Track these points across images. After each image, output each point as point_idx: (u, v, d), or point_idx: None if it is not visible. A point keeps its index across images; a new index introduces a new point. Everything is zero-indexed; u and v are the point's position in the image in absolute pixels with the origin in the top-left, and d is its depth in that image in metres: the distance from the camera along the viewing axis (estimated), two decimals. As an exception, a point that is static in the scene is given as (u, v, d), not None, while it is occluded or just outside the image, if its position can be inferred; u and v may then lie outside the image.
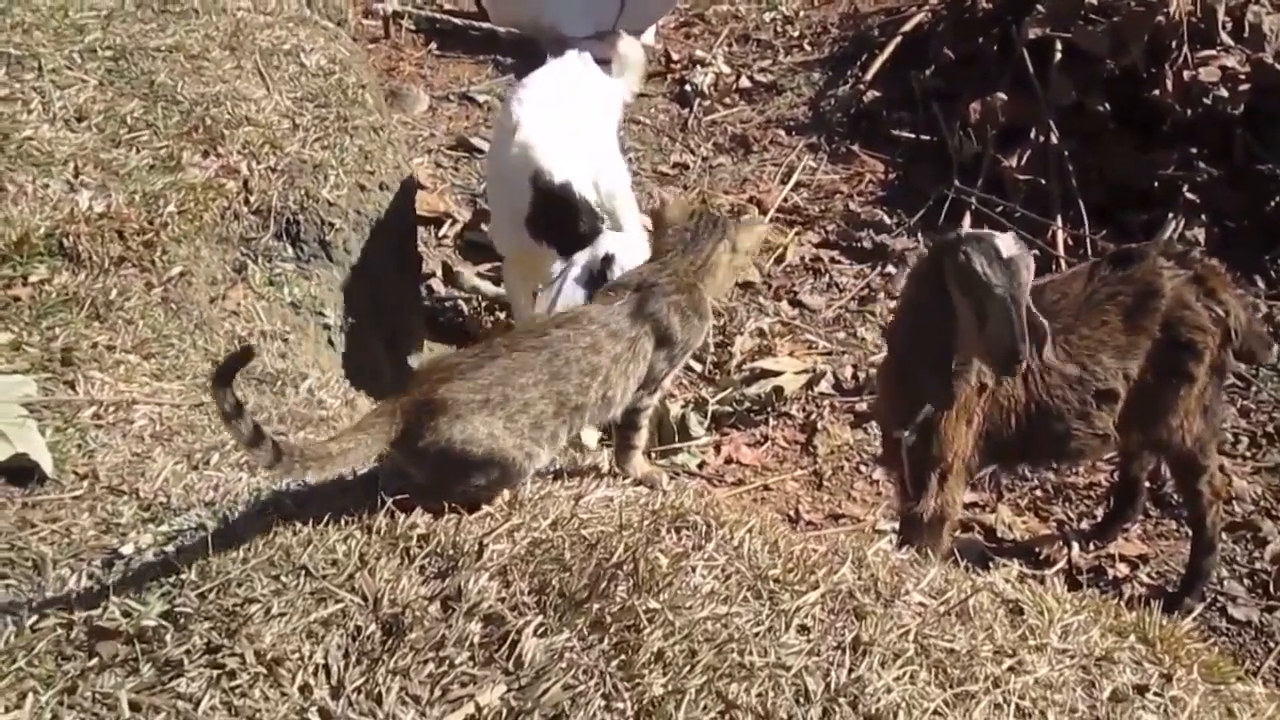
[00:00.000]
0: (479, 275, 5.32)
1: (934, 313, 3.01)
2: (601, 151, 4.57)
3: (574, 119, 4.50)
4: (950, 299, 2.94)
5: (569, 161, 4.24)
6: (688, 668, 1.99)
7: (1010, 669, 2.15)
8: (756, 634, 2.08)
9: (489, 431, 2.20)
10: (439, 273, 5.32)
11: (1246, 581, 3.87)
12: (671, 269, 2.44)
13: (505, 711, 1.90)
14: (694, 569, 2.19)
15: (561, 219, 4.15)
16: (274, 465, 2.09)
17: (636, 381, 2.39)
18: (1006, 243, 2.87)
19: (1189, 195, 5.33)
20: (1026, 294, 2.85)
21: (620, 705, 1.92)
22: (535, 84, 4.62)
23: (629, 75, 5.04)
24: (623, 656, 1.99)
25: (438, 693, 1.93)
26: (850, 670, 2.05)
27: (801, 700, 1.99)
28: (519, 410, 2.23)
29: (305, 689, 1.94)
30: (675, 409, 4.44)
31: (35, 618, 2.09)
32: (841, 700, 2.00)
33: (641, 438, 2.53)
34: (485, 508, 2.29)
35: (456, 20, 7.42)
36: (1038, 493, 4.25)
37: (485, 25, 7.31)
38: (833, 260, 5.51)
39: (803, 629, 2.13)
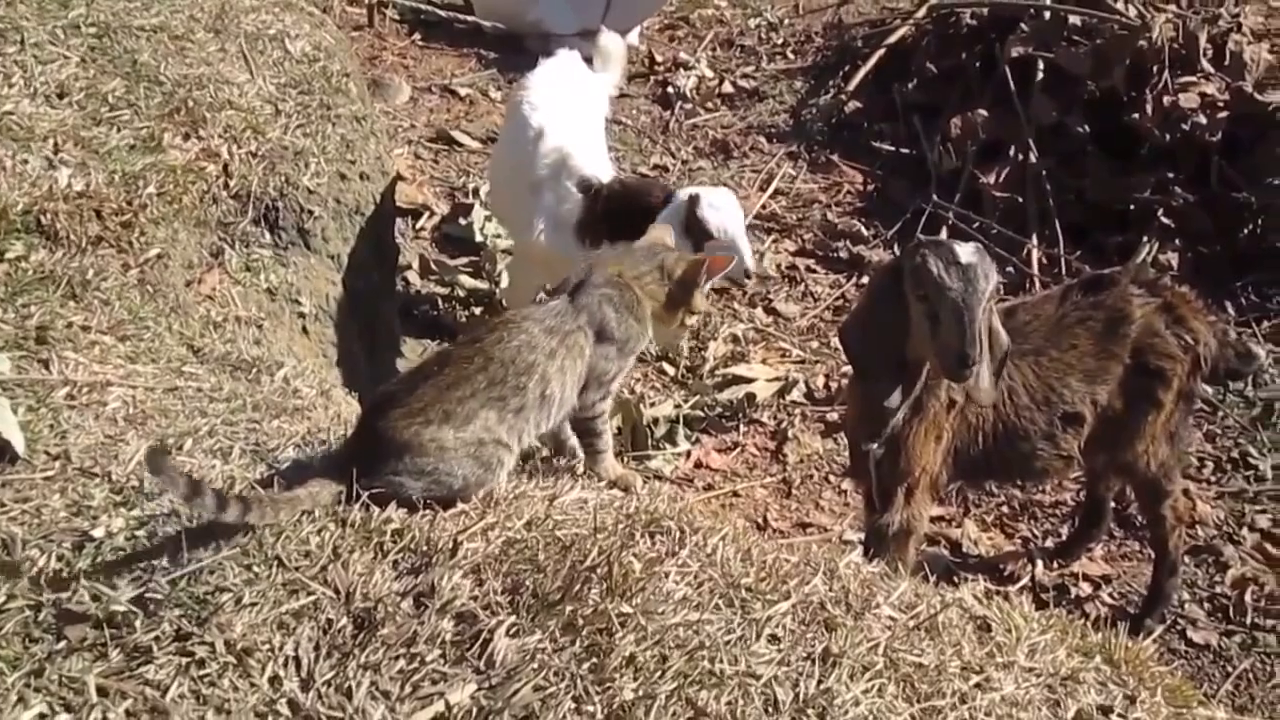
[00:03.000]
0: (459, 269, 5.30)
1: (890, 318, 3.02)
2: (596, 147, 4.69)
3: (575, 117, 4.57)
4: (906, 305, 2.95)
5: (603, 160, 4.45)
6: (658, 673, 1.99)
7: (977, 685, 2.16)
8: (728, 642, 2.09)
9: (438, 449, 2.24)
10: (415, 266, 5.31)
11: (1207, 605, 3.90)
12: (609, 271, 2.49)
13: (475, 710, 1.90)
14: (667, 575, 2.19)
15: (616, 217, 4.21)
16: (245, 514, 2.12)
17: (577, 380, 2.40)
18: (965, 250, 2.87)
19: (1164, 219, 5.38)
20: (983, 302, 2.84)
21: (590, 709, 1.92)
22: (539, 86, 4.65)
23: (612, 69, 5.08)
24: (594, 660, 1.99)
25: (408, 689, 1.92)
26: (819, 681, 2.06)
27: (770, 710, 1.99)
28: (463, 422, 2.26)
29: (275, 680, 1.93)
30: (650, 414, 4.45)
31: (3, 598, 2.07)
32: (810, 711, 2.00)
33: (605, 441, 2.55)
34: (460, 505, 2.29)
35: (441, 12, 7.41)
36: (1004, 509, 4.28)
37: (470, 18, 7.30)
38: (809, 269, 5.53)
39: (773, 639, 2.13)
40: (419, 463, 2.23)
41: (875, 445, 3.21)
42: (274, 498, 2.18)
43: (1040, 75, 5.81)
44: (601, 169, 4.39)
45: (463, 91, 6.72)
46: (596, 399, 2.45)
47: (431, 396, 2.26)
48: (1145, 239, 5.33)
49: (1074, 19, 5.91)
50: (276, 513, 2.16)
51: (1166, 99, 5.48)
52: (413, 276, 5.28)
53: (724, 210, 4.12)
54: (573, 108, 4.59)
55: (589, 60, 5.04)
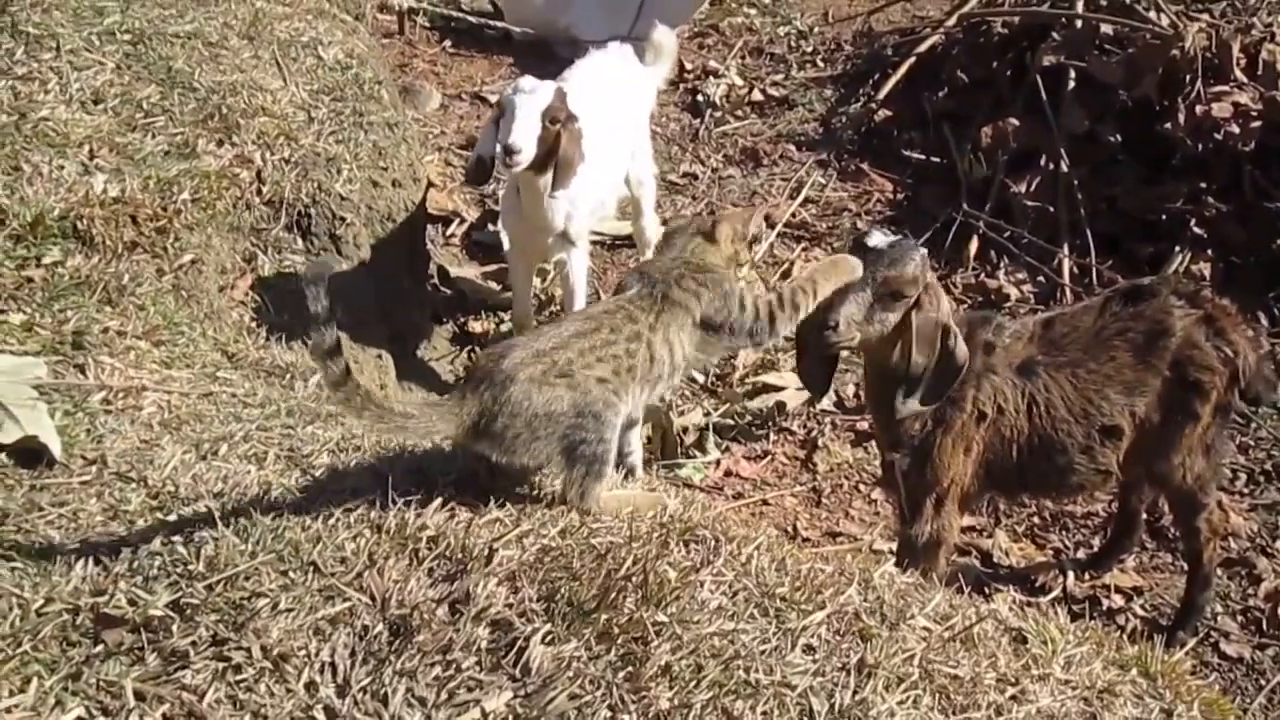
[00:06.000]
0: (484, 275, 5.31)
1: None
2: (636, 139, 4.82)
3: (614, 107, 4.61)
4: None
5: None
6: (694, 683, 1.98)
7: (1013, 698, 2.15)
8: (763, 652, 2.08)
9: (565, 390, 2.26)
10: (435, 275, 5.31)
11: (1240, 618, 3.87)
12: (663, 262, 2.55)
13: (511, 718, 1.90)
14: (702, 584, 2.19)
15: None
16: (338, 386, 2.13)
17: (683, 346, 2.43)
18: (877, 236, 2.96)
19: (1196, 229, 5.34)
20: (871, 284, 2.91)
21: (626, 717, 1.92)
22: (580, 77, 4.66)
23: (662, 63, 5.10)
24: (630, 668, 1.99)
25: (444, 696, 1.92)
26: (854, 692, 2.06)
27: (806, 720, 1.99)
28: (584, 367, 2.29)
29: (311, 686, 1.93)
30: (680, 422, 4.44)
31: (41, 602, 2.08)
32: (845, 722, 2.00)
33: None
34: (495, 512, 2.30)
35: (472, 18, 7.42)
36: (1035, 520, 4.25)
37: (500, 25, 7.31)
38: (838, 277, 5.50)
39: (809, 649, 2.13)
40: (546, 398, 2.25)
41: (899, 454, 3.22)
42: (370, 396, 2.18)
43: (1072, 84, 5.77)
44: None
45: (493, 98, 6.70)
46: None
47: (557, 342, 2.31)
48: (1177, 249, 5.29)
49: (1106, 28, 5.88)
50: (364, 408, 2.16)
51: (1199, 108, 5.43)
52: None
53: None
54: (608, 98, 4.60)
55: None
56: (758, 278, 5.20)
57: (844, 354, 4.71)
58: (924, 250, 3.05)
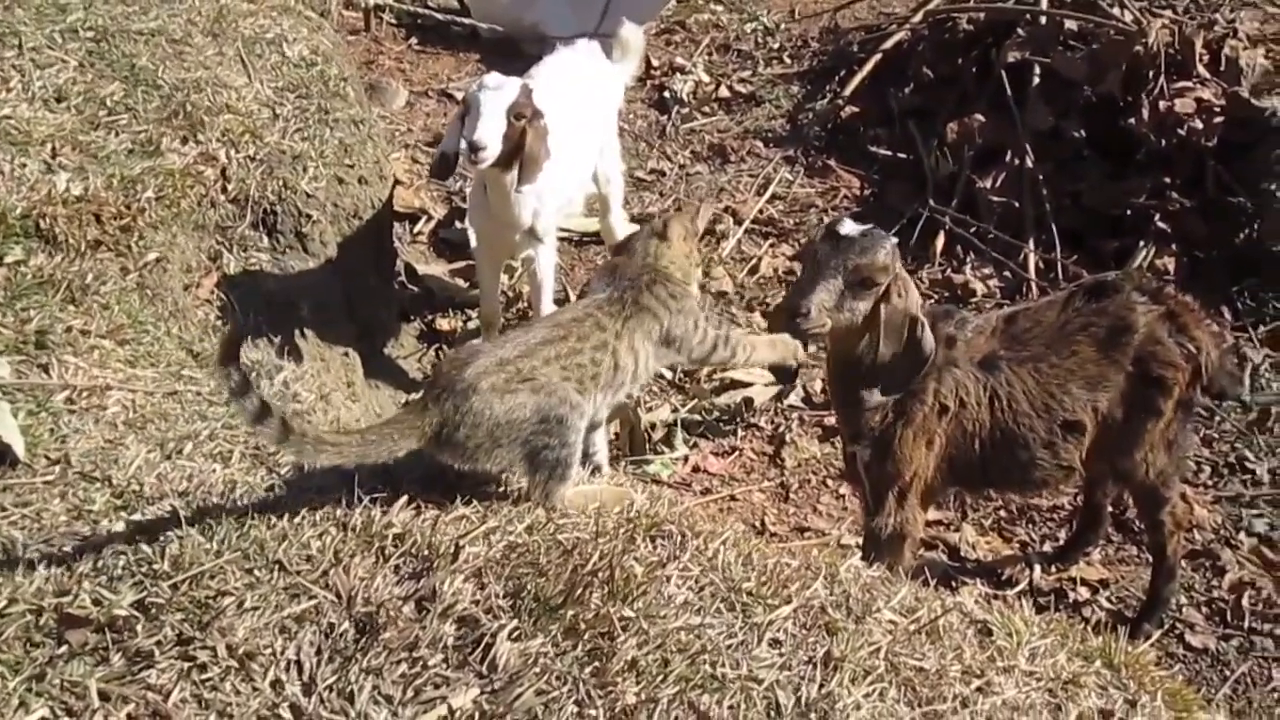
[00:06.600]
0: (451, 273, 5.30)
1: None
2: (604, 136, 4.86)
3: (582, 104, 4.62)
4: None
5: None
6: (660, 677, 1.99)
7: (978, 689, 2.16)
8: (729, 646, 2.09)
9: (528, 395, 2.27)
10: (403, 272, 5.30)
11: (1205, 609, 3.90)
12: (631, 266, 2.58)
13: (478, 714, 1.90)
14: (669, 579, 2.20)
15: None
16: (282, 442, 2.12)
17: (647, 354, 2.49)
18: (848, 225, 3.00)
19: (1160, 224, 5.36)
20: (841, 270, 2.94)
21: (593, 712, 1.92)
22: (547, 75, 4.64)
23: (629, 61, 5.11)
24: (596, 664, 1.99)
25: (410, 693, 1.92)
26: (821, 685, 2.07)
27: (772, 714, 2.00)
28: (548, 374, 2.31)
29: (277, 684, 1.93)
30: (648, 418, 4.45)
31: (4, 603, 2.07)
32: (812, 715, 2.01)
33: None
34: (461, 509, 2.29)
35: (438, 15, 7.40)
36: (1002, 513, 4.27)
37: (467, 22, 7.30)
38: (805, 273, 5.51)
39: (775, 643, 2.14)
40: (509, 406, 2.26)
41: (860, 446, 3.23)
42: (320, 438, 2.18)
43: (1036, 80, 5.79)
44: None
45: (459, 95, 6.69)
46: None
47: (520, 351, 2.32)
48: (1142, 244, 5.32)
49: (1070, 24, 5.90)
50: (318, 452, 2.16)
51: (1163, 104, 5.46)
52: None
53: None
54: (575, 95, 4.60)
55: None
56: (728, 275, 5.22)
57: (812, 349, 4.77)
58: (894, 240, 3.06)
